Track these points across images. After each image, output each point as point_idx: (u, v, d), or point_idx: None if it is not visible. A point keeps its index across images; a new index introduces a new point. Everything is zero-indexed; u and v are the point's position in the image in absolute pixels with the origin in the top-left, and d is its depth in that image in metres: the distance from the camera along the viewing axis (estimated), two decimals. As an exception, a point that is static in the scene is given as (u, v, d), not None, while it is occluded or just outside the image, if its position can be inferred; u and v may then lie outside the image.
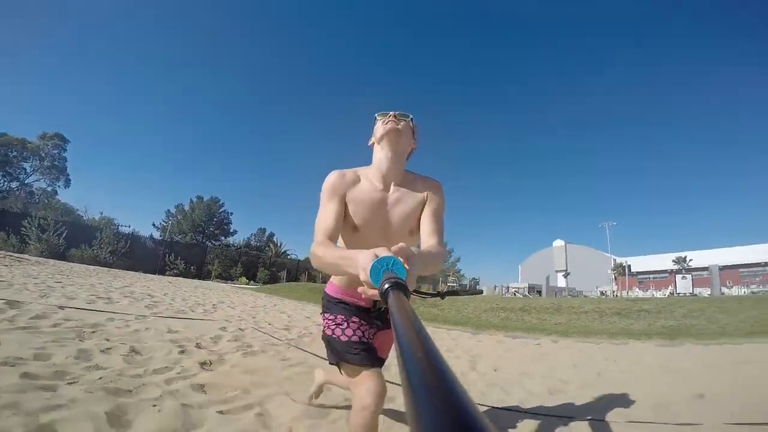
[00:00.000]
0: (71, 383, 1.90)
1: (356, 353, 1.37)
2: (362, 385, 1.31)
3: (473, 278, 52.42)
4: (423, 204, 1.43)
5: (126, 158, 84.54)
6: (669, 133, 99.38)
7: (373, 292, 0.77)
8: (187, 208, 43.44)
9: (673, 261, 44.47)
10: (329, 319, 1.50)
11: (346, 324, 1.46)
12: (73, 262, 18.26)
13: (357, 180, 1.41)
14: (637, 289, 40.42)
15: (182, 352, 2.94)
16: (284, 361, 3.12)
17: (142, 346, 2.89)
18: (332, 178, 1.39)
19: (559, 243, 53.45)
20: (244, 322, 4.99)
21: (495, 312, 8.42)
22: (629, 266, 47.48)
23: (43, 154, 37.23)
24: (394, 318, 0.50)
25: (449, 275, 42.09)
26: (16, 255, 13.97)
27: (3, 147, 34.29)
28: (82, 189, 79.42)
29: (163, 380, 2.18)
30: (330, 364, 1.50)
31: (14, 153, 35.89)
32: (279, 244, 40.85)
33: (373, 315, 1.50)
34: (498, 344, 5.22)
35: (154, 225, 43.04)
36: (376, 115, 1.52)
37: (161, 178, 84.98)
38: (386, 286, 0.65)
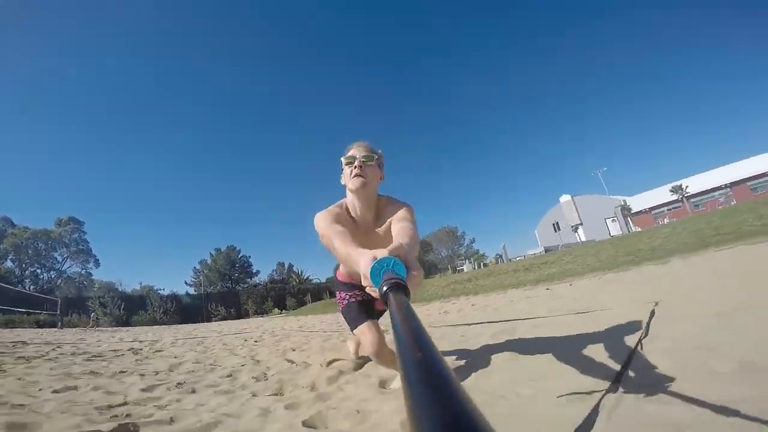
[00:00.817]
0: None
1: (355, 315, 1.86)
2: (364, 337, 1.79)
3: (497, 254, 54.53)
4: (392, 219, 1.58)
5: (141, 230, 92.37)
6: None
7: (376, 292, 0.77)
8: (209, 261, 47.72)
9: (670, 191, 43.27)
10: (340, 297, 2.01)
11: (348, 296, 1.96)
12: (137, 326, 21.99)
13: (340, 214, 1.59)
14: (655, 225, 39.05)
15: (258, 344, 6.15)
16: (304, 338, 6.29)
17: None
18: (326, 215, 1.53)
19: (565, 198, 53.15)
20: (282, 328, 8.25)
21: (450, 285, 11.59)
22: (629, 206, 47.37)
23: (66, 241, 41.15)
24: (393, 319, 0.53)
25: (463, 259, 44.79)
26: (100, 327, 17.81)
27: (30, 240, 38.40)
28: (112, 265, 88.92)
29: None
30: (352, 332, 1.94)
31: (41, 245, 39.95)
32: (300, 272, 44.60)
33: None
34: (443, 305, 8.25)
35: (186, 283, 47.40)
36: (342, 158, 1.63)
37: (177, 240, 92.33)
38: (385, 287, 0.66)
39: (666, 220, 33.90)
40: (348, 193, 1.64)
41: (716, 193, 35.45)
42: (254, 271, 50.24)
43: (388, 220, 1.61)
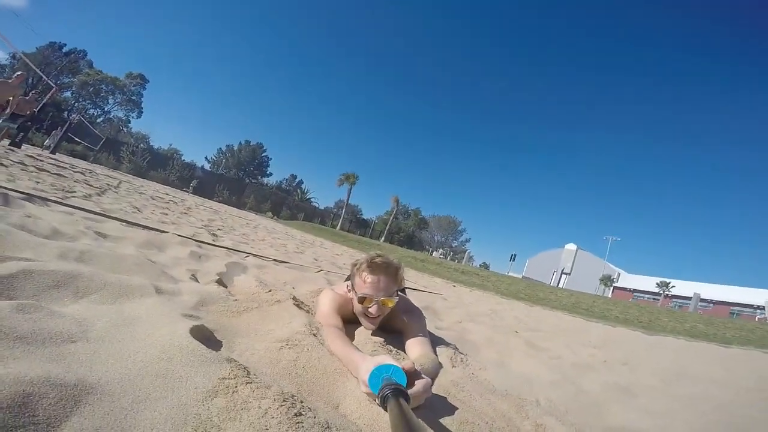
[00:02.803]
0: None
1: None
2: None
3: (483, 263, 57.72)
4: (400, 327, 1.46)
5: (191, 99, 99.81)
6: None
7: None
8: (235, 148, 50.92)
9: (657, 284, 46.50)
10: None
11: None
12: (150, 180, 25.15)
13: (347, 303, 1.44)
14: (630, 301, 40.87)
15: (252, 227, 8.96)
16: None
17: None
18: (332, 296, 1.45)
19: (571, 247, 55.84)
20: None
21: (406, 258, 14.38)
22: (614, 279, 50.26)
23: (125, 90, 44.60)
24: (393, 426, 0.54)
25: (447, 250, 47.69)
26: (120, 172, 20.61)
27: (97, 82, 41.82)
28: (151, 118, 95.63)
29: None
30: None
31: (104, 87, 43.37)
32: (305, 191, 48.08)
33: None
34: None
35: (206, 158, 50.91)
36: (351, 284, 1.42)
37: (219, 118, 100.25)
38: (385, 392, 0.69)
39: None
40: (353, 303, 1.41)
41: (692, 304, 37.79)
42: (268, 172, 53.60)
43: (393, 323, 1.47)
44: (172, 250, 2.13)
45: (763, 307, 32.32)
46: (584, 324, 5.44)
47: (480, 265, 53.45)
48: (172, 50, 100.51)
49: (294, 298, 1.54)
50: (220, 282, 1.71)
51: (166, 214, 4.75)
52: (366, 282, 1.33)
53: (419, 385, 0.86)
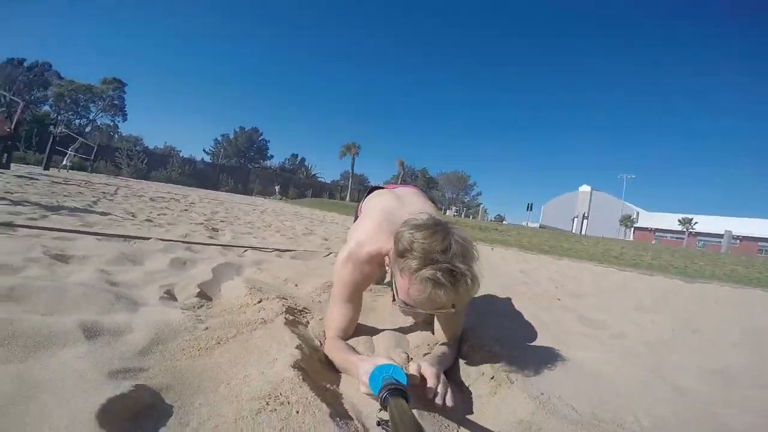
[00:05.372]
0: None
1: None
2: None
3: (498, 215, 57.21)
4: None
5: (176, 95, 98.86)
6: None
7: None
8: (231, 136, 50.28)
9: (679, 221, 44.69)
10: None
11: None
12: (154, 181, 25.00)
13: (373, 270, 1.20)
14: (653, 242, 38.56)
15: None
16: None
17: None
18: (350, 277, 1.17)
19: (585, 188, 54.61)
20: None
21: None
22: (635, 219, 48.47)
23: (104, 96, 43.95)
24: (393, 427, 0.54)
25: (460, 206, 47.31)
26: (122, 178, 20.52)
27: (72, 92, 41.12)
28: (139, 121, 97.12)
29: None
30: None
31: (81, 96, 42.63)
32: (309, 167, 47.71)
33: None
34: None
35: (204, 151, 50.56)
36: (408, 275, 0.92)
37: (209, 110, 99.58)
38: (385, 393, 0.67)
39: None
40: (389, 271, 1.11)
41: (722, 240, 36.46)
42: (269, 155, 53.15)
43: None
44: (151, 261, 1.84)
45: None
46: (622, 277, 5.04)
47: (494, 217, 53.07)
48: (146, 49, 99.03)
49: (288, 311, 1.25)
50: (202, 295, 1.43)
51: (165, 215, 4.49)
52: (414, 298, 0.93)
53: (429, 379, 0.83)
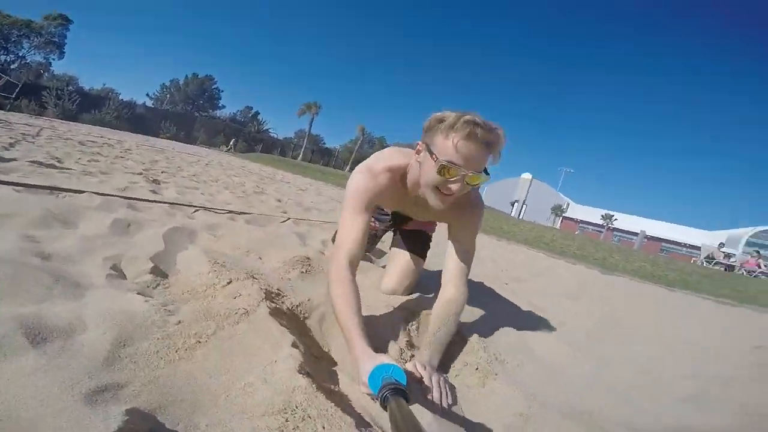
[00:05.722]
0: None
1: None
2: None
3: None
4: (448, 217, 1.26)
5: (125, 35, 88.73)
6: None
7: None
8: (181, 82, 45.74)
9: (601, 216, 49.62)
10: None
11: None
12: (85, 123, 22.20)
13: (392, 187, 1.19)
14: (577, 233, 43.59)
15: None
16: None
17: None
18: (365, 182, 1.15)
19: (526, 176, 57.00)
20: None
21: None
22: (565, 209, 53.16)
23: (43, 33, 38.04)
24: (394, 426, 0.53)
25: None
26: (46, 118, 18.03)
27: (8, 26, 34.97)
28: (76, 59, 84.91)
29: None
30: None
31: (14, 32, 36.48)
32: (261, 122, 45.08)
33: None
34: None
35: (148, 95, 45.64)
36: (431, 147, 1.03)
37: (159, 52, 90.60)
38: (385, 393, 0.67)
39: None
40: (414, 173, 1.15)
41: (635, 237, 40.95)
42: (220, 105, 49.24)
43: (446, 219, 1.28)
44: (87, 223, 1.56)
45: (698, 247, 34.53)
46: (551, 263, 5.58)
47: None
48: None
49: (269, 298, 1.11)
50: (156, 270, 1.23)
51: (97, 161, 4.00)
52: (457, 147, 0.98)
53: (425, 380, 0.85)
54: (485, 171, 1.04)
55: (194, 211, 2.44)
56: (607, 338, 1.92)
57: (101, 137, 8.57)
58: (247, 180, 6.29)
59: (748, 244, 41.49)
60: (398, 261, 1.62)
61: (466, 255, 1.24)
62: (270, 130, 44.44)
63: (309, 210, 4.30)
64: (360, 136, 45.83)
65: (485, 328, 1.50)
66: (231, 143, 27.52)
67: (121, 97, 31.02)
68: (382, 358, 0.77)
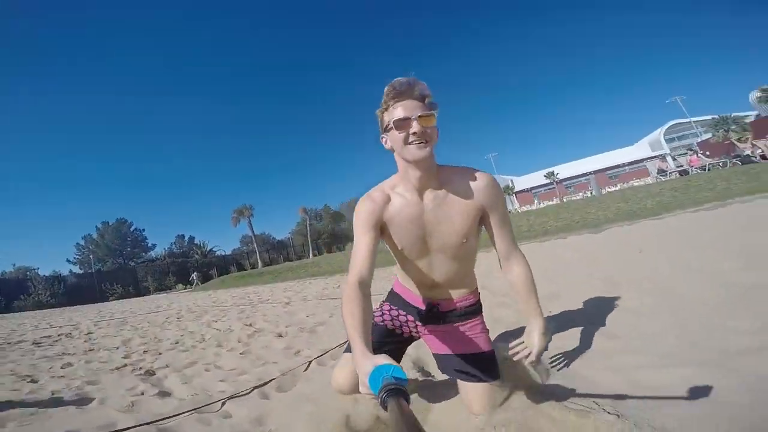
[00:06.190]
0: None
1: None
2: (339, 371, 1.44)
3: None
4: (473, 208, 1.25)
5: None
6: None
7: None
8: (95, 236, 43.36)
9: (545, 176, 51.56)
10: (378, 308, 1.56)
11: (387, 311, 1.52)
12: (18, 311, 20.10)
13: (388, 199, 1.27)
14: (536, 202, 45.73)
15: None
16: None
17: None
18: (362, 206, 1.27)
19: None
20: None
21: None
22: (513, 186, 55.59)
23: None
24: (394, 426, 0.54)
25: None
26: None
27: None
28: None
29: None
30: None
31: None
32: (202, 245, 43.41)
33: (427, 316, 1.44)
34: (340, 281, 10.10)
35: (69, 261, 42.68)
36: (382, 113, 1.23)
37: (50, 215, 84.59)
38: (384, 394, 0.67)
39: (542, 202, 41.91)
40: (400, 164, 1.25)
41: (582, 178, 46.37)
42: (149, 245, 47.20)
43: (461, 198, 1.24)
44: None
45: (636, 161, 36.95)
46: (555, 253, 5.51)
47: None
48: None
49: None
50: None
51: (70, 365, 3.50)
52: (393, 109, 1.19)
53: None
54: (433, 116, 1.18)
55: (222, 405, 2.03)
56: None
57: (51, 327, 7.65)
58: (229, 320, 5.68)
59: (667, 141, 46.12)
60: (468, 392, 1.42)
61: (506, 223, 1.32)
62: (215, 249, 43.02)
63: (314, 331, 3.84)
64: (304, 217, 45.64)
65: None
66: (193, 278, 26.07)
67: (41, 273, 28.88)
68: (382, 359, 0.78)
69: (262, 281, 15.17)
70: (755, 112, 28.76)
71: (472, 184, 1.25)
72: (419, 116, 1.14)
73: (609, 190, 28.72)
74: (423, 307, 1.43)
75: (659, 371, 1.50)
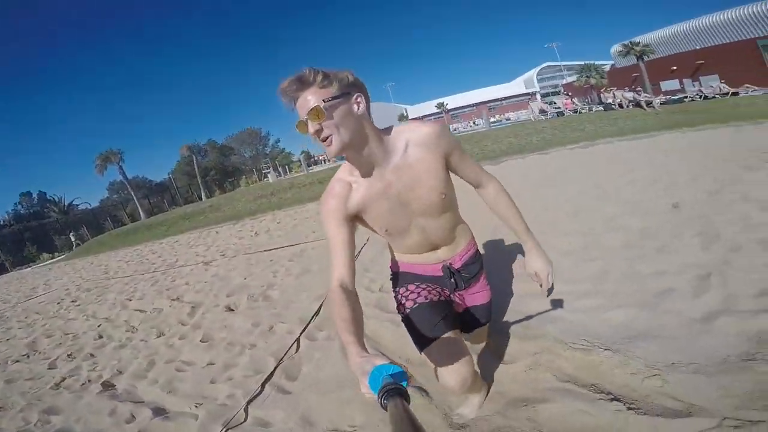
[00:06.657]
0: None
1: (427, 325, 1.28)
2: (445, 370, 1.25)
3: (302, 151, 56.92)
4: (436, 161, 1.19)
5: None
6: None
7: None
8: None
9: (435, 106, 55.62)
10: (402, 294, 1.41)
11: (416, 292, 1.38)
12: None
13: (350, 187, 1.20)
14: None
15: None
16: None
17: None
18: (326, 205, 1.20)
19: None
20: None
21: (257, 200, 12.99)
22: (407, 114, 58.21)
23: None
24: (393, 427, 0.54)
25: (268, 165, 44.74)
26: None
27: None
28: None
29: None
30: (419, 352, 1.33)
31: None
32: (58, 200, 36.27)
33: (450, 280, 1.40)
34: (254, 224, 9.45)
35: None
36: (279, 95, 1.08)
37: None
38: (384, 394, 0.67)
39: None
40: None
41: (466, 109, 52.64)
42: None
43: (422, 160, 1.18)
44: None
45: (513, 96, 41.85)
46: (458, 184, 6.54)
47: (301, 153, 52.73)
48: None
49: None
50: None
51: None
52: (291, 109, 1.09)
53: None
54: (334, 98, 1.04)
55: (246, 415, 1.88)
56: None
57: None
58: (146, 296, 5.09)
59: (538, 80, 53.35)
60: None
61: (466, 157, 1.30)
62: (76, 203, 36.20)
63: (268, 298, 3.68)
64: (188, 154, 40.75)
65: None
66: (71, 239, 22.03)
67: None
68: (380, 360, 0.78)
69: (154, 236, 12.77)
70: (612, 62, 34.37)
71: (423, 139, 1.18)
72: (307, 117, 1.04)
73: (492, 119, 33.00)
74: (439, 274, 1.40)
75: (616, 311, 1.96)
